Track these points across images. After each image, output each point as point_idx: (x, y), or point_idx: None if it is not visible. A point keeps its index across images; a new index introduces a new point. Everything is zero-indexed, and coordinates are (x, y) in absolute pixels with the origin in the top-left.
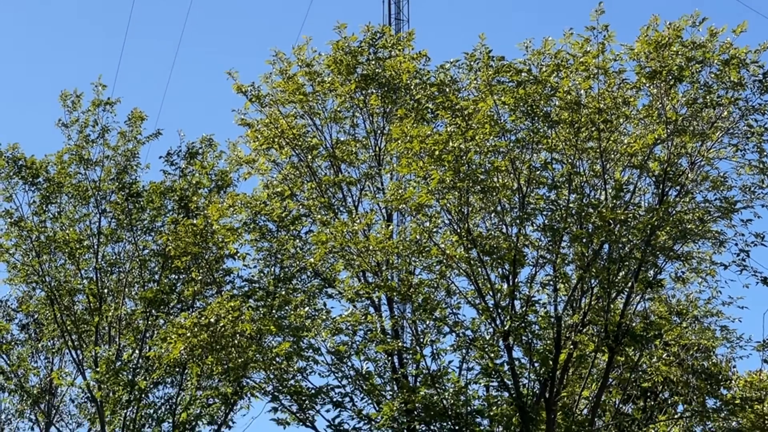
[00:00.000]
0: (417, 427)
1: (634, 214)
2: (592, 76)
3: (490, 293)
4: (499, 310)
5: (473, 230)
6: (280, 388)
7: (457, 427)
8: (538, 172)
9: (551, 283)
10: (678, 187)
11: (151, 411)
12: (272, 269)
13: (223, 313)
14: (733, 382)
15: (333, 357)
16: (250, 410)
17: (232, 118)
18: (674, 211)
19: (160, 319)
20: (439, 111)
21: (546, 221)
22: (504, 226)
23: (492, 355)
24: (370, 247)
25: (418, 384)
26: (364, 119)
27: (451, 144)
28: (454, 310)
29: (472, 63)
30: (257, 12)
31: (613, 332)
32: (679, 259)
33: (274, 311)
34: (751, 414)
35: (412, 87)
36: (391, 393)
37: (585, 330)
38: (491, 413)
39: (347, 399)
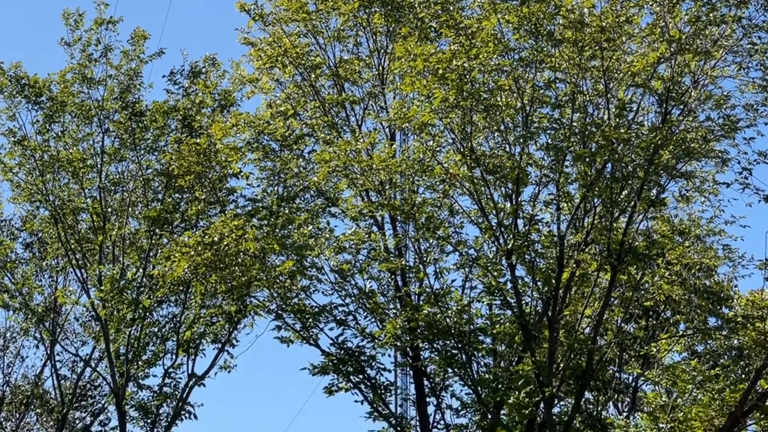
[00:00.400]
0: (420, 345)
1: (637, 133)
2: None
3: (493, 212)
4: (502, 229)
5: (476, 149)
6: (284, 306)
7: (459, 346)
8: (541, 91)
9: (554, 202)
10: (681, 106)
11: (156, 329)
12: (275, 188)
13: (226, 232)
14: (734, 301)
15: (336, 276)
16: (253, 329)
17: (235, 37)
18: (677, 130)
19: (164, 238)
20: (442, 29)
21: (549, 140)
22: (507, 145)
23: (495, 273)
24: (374, 166)
25: (421, 302)
26: (367, 38)
27: (454, 63)
28: (457, 229)
29: None
30: None
31: (616, 251)
32: (682, 177)
33: (277, 230)
34: (752, 332)
35: (415, 5)
36: (394, 311)
37: (588, 249)
38: (494, 331)
39: (350, 317)
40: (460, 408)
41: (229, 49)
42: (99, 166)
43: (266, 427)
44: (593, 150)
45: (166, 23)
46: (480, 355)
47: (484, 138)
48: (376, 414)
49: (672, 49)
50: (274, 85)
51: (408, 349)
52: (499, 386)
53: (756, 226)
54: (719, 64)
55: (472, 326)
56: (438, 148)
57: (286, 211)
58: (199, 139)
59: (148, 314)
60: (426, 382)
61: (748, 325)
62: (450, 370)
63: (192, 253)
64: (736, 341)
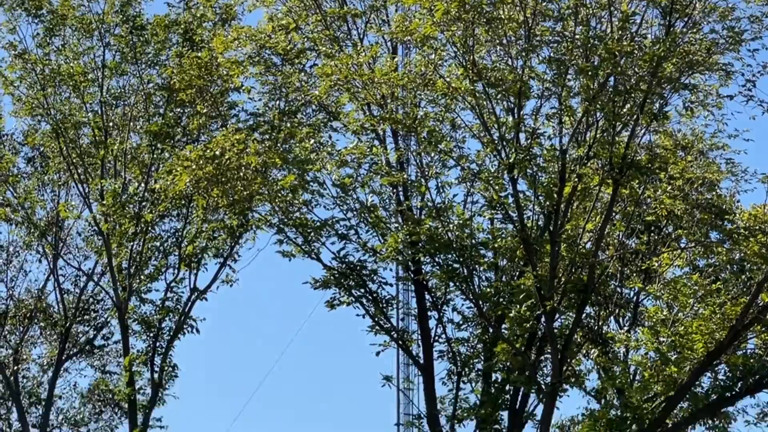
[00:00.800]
0: (421, 259)
1: (640, 46)
2: None
3: (495, 126)
4: (504, 143)
5: (478, 63)
6: (286, 220)
7: (461, 260)
8: (544, 4)
9: (556, 115)
10: (685, 18)
11: (158, 244)
12: (277, 103)
13: (228, 146)
14: (736, 215)
15: (338, 190)
16: (255, 243)
17: None
18: (681, 43)
19: (166, 153)
20: None
21: (552, 53)
22: (509, 59)
23: (497, 187)
24: (375, 80)
25: (422, 216)
26: None
27: None
28: (459, 144)
29: None
30: None
31: (618, 165)
32: (686, 89)
33: (279, 144)
34: (754, 245)
35: None
36: (395, 225)
37: (590, 163)
38: (495, 245)
39: (352, 231)
40: (461, 322)
41: None
42: (100, 80)
43: (269, 342)
44: (596, 63)
45: None
46: (481, 269)
47: (486, 51)
48: (377, 328)
49: None
50: None
51: (409, 263)
52: (501, 300)
53: (759, 139)
54: None
55: (473, 240)
56: (440, 62)
57: (288, 126)
58: (200, 53)
59: (150, 228)
60: (427, 296)
61: (750, 238)
62: (451, 284)
63: (194, 167)
64: (737, 255)
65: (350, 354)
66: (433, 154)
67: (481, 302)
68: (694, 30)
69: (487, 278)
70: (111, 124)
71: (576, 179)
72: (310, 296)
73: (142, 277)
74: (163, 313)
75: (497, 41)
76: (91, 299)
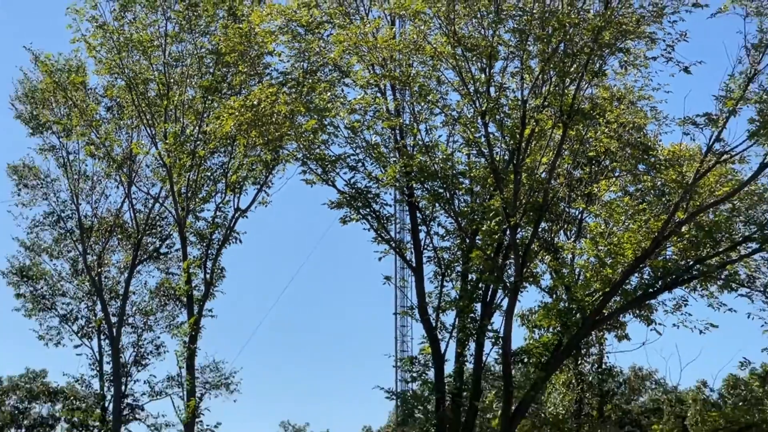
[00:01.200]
0: (414, 185)
1: (584, 18)
2: None
3: (471, 82)
4: (478, 95)
5: (458, 32)
6: (308, 155)
7: (444, 186)
8: None
9: (519, 73)
10: None
11: (209, 174)
12: (301, 64)
13: (263, 97)
14: (658, 151)
15: (349, 131)
16: (284, 173)
17: None
18: (617, 16)
19: (215, 103)
20: None
21: (515, 25)
22: (482, 29)
23: (472, 130)
24: (378, 46)
25: (414, 152)
26: None
27: None
28: (443, 96)
29: None
30: None
31: (567, 112)
32: (620, 52)
33: (303, 96)
34: (672, 174)
35: None
36: (393, 159)
37: (544, 110)
38: (471, 175)
39: (360, 164)
40: (444, 234)
41: None
42: (163, 46)
43: (295, 252)
44: (550, 32)
45: None
46: (460, 193)
47: (464, 23)
48: (379, 239)
49: None
50: None
51: (404, 188)
52: (475, 217)
53: (677, 92)
54: None
55: (454, 171)
56: (428, 32)
57: (310, 82)
58: (241, 24)
59: (202, 162)
60: (418, 214)
61: (669, 169)
62: (437, 205)
63: (236, 114)
64: (659, 182)
65: (358, 263)
66: (422, 104)
67: (459, 219)
68: (627, 5)
69: (464, 200)
70: (172, 80)
71: (534, 123)
72: (328, 216)
73: (196, 199)
74: (213, 228)
75: (473, 15)
76: (157, 217)
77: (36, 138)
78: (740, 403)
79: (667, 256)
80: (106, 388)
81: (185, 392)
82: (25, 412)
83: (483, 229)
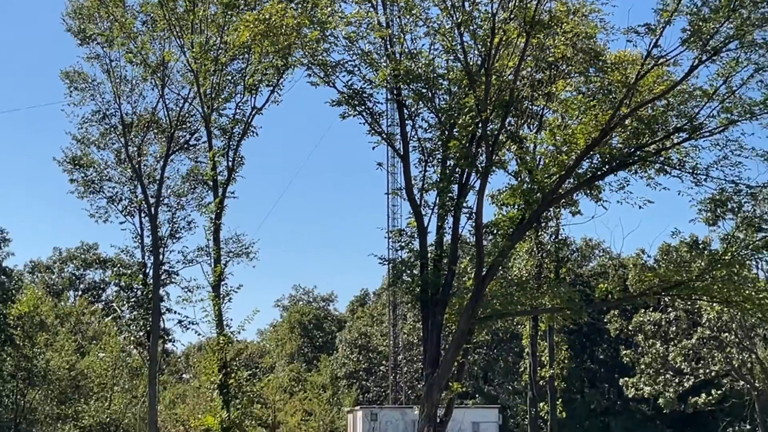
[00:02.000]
0: (401, 86)
1: None
2: None
3: None
4: (455, 9)
5: None
6: (313, 61)
7: (427, 86)
8: None
9: None
10: None
11: (230, 78)
12: None
13: (273, 12)
14: (606, 56)
15: (346, 41)
16: (293, 76)
17: None
18: None
19: (234, 17)
20: None
21: None
22: None
23: (450, 39)
24: None
25: (402, 58)
26: None
27: None
28: (426, 10)
29: None
30: None
31: (530, 23)
32: None
33: (308, 11)
34: (618, 76)
35: None
36: (384, 64)
37: (511, 22)
38: (449, 77)
39: (356, 68)
40: (427, 127)
41: None
42: None
43: (303, 143)
44: None
45: None
46: (440, 92)
47: None
48: (373, 131)
49: None
50: None
51: (393, 89)
52: (452, 113)
53: (621, 4)
54: None
55: (435, 74)
56: None
57: None
58: None
59: (224, 68)
60: (405, 111)
61: (615, 71)
62: (421, 103)
63: (251, 26)
64: (606, 82)
65: (356, 153)
66: (408, 17)
67: (439, 114)
68: None
69: (444, 98)
70: None
71: (502, 33)
72: (329, 114)
73: (219, 99)
74: (234, 123)
75: None
76: (186, 114)
77: (83, 48)
78: (671, 266)
79: (613, 144)
80: (146, 258)
81: (212, 260)
82: (81, 277)
83: (459, 122)
